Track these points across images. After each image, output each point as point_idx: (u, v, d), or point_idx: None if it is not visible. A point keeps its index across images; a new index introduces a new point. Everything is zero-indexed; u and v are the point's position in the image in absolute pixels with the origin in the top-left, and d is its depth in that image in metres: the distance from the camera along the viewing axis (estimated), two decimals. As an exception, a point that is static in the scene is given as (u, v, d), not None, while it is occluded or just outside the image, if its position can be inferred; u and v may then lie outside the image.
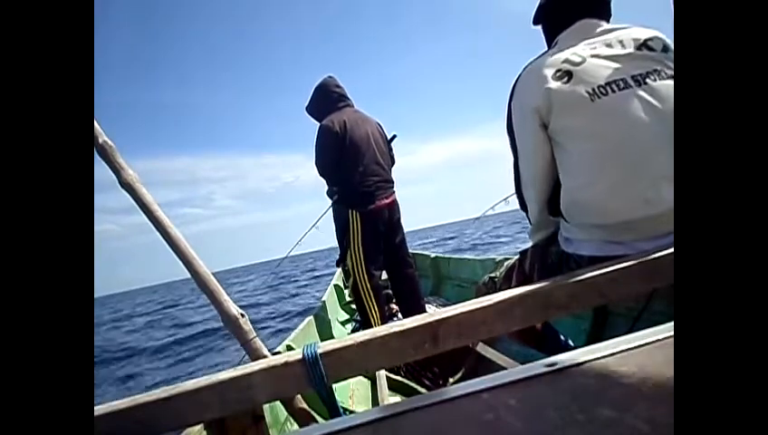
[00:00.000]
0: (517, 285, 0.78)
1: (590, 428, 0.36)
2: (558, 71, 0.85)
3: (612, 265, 0.71)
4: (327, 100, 2.06)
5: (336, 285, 3.36)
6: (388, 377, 1.53)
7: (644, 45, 0.84)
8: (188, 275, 0.81)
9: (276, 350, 1.39)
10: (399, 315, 2.31)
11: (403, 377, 1.60)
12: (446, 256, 3.37)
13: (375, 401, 1.50)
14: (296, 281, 14.53)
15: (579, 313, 1.35)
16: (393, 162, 2.14)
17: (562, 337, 1.13)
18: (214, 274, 0.81)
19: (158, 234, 0.82)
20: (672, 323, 0.53)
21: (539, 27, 1.04)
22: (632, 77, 0.81)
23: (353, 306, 2.77)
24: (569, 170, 0.86)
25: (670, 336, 0.51)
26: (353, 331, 2.58)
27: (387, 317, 2.06)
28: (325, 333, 2.17)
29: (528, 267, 1.04)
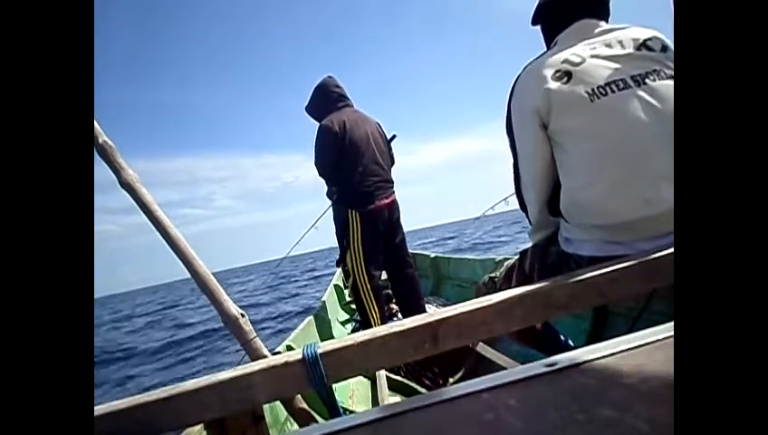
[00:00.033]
0: (517, 285, 0.78)
1: (590, 428, 0.36)
2: (557, 71, 0.85)
3: (612, 265, 0.71)
4: (326, 100, 2.06)
5: (336, 285, 3.36)
6: (388, 377, 1.53)
7: (643, 45, 0.85)
8: (188, 276, 0.81)
9: (276, 350, 1.39)
10: (399, 315, 2.31)
11: (403, 377, 1.60)
12: (446, 256, 3.37)
13: (375, 401, 1.50)
14: (296, 281, 14.53)
15: (579, 313, 1.35)
16: (393, 162, 2.14)
17: (562, 337, 1.13)
18: (214, 274, 0.81)
19: (158, 234, 0.82)
20: (672, 323, 0.53)
21: (538, 27, 1.04)
22: (632, 77, 0.81)
23: (353, 306, 2.77)
24: (569, 171, 0.86)
25: (670, 336, 0.51)
26: (353, 331, 2.58)
27: (387, 317, 2.06)
28: (325, 333, 2.17)
29: (528, 267, 1.04)
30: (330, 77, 2.11)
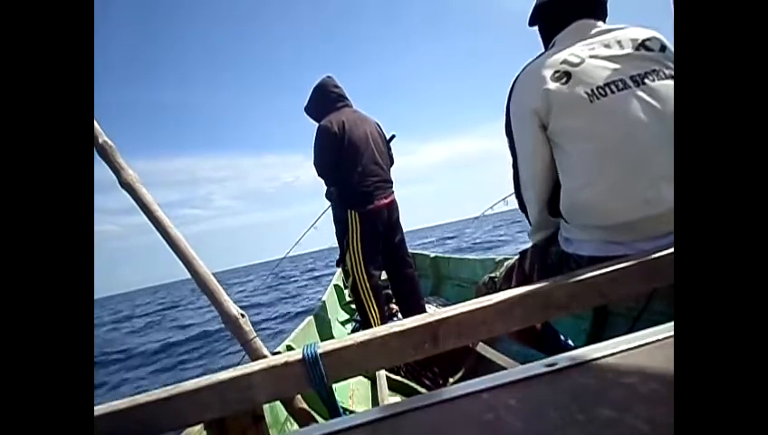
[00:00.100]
0: (517, 285, 0.78)
1: (590, 428, 0.36)
2: (556, 72, 0.85)
3: (612, 265, 0.71)
4: (325, 100, 2.06)
5: (336, 285, 3.36)
6: (388, 377, 1.53)
7: (642, 46, 0.84)
8: (189, 276, 0.81)
9: (276, 350, 1.39)
10: (399, 315, 2.31)
11: (403, 377, 1.60)
12: (446, 255, 3.37)
13: (375, 401, 1.50)
14: (296, 281, 14.53)
15: (579, 313, 1.35)
16: (392, 162, 2.14)
17: (562, 337, 1.13)
18: (214, 274, 0.81)
19: (158, 234, 0.82)
20: (672, 323, 0.53)
21: (535, 28, 1.04)
22: (631, 77, 0.81)
23: (353, 306, 2.77)
24: (568, 171, 0.86)
25: (670, 336, 0.51)
26: (353, 331, 2.58)
27: (387, 317, 2.06)
28: (325, 333, 2.17)
29: (528, 267, 1.04)
30: (329, 77, 2.11)
